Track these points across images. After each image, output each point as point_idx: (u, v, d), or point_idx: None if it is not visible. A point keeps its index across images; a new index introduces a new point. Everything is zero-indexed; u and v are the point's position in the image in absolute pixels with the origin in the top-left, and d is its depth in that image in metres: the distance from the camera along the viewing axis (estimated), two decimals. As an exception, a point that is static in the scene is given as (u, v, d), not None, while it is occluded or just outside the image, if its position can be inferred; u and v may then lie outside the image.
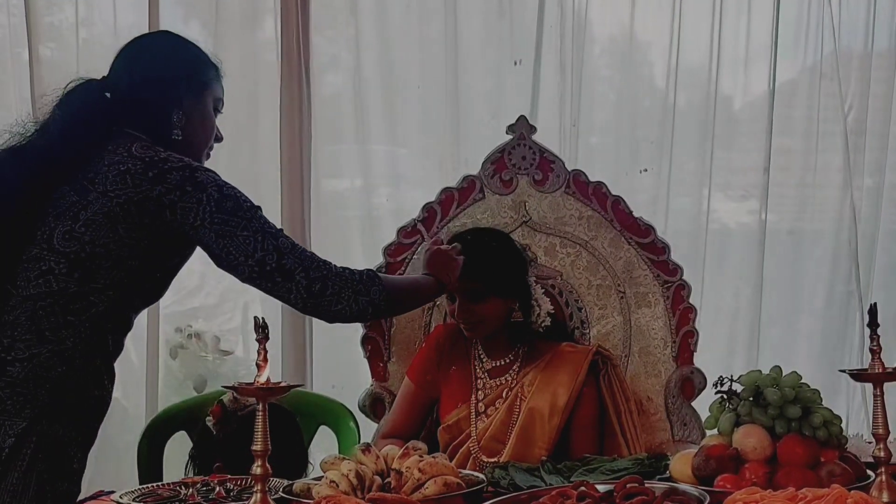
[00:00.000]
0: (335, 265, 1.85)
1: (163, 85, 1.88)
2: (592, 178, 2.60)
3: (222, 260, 1.80)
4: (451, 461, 2.28)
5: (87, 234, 1.73)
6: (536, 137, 2.65)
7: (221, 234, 1.76)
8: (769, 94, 3.54)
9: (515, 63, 3.48)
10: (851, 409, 3.49)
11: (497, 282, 2.32)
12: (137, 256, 1.77)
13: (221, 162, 3.40)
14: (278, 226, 1.85)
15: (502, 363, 2.41)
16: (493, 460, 2.29)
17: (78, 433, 1.75)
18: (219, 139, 2.00)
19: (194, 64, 1.94)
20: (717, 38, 3.52)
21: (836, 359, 3.51)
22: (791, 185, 3.64)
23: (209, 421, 2.30)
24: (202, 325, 3.42)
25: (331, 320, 1.88)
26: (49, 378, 1.70)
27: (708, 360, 3.29)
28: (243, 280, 1.83)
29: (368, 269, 1.93)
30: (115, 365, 1.84)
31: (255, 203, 1.83)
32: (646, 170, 3.51)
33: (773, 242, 3.57)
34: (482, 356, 2.43)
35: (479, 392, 2.40)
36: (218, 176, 1.81)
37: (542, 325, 2.41)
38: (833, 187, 3.60)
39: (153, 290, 1.89)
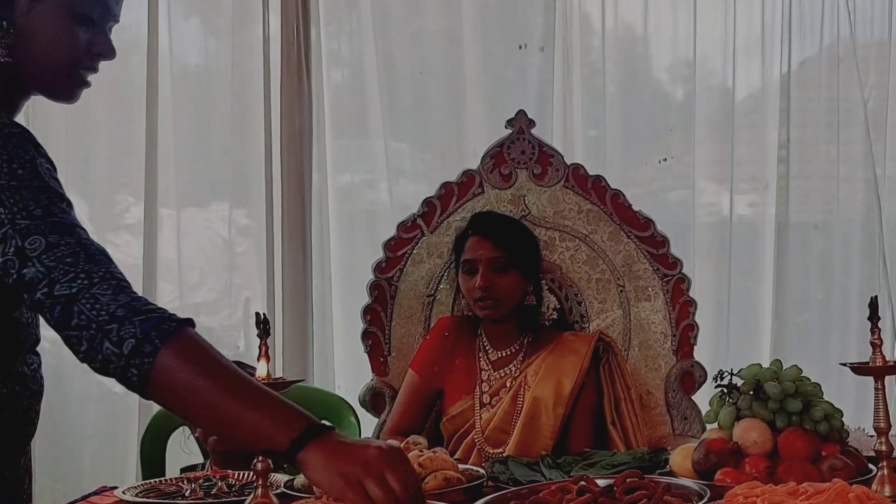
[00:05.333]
0: (121, 289, 1.27)
1: None
2: (605, 170, 2.60)
3: None
4: (455, 452, 2.30)
5: None
6: (540, 129, 2.64)
7: None
8: (784, 84, 3.47)
9: (520, 47, 3.45)
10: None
11: (519, 254, 2.38)
12: None
13: (219, 156, 3.42)
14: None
15: (506, 353, 2.42)
16: (498, 451, 2.30)
17: None
18: (103, 56, 1.50)
19: None
20: (733, 27, 3.46)
21: (863, 355, 3.42)
22: (809, 176, 3.57)
23: None
24: (204, 321, 3.41)
25: (96, 370, 1.27)
26: None
27: (726, 354, 3.29)
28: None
29: (185, 319, 1.33)
30: None
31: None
32: (665, 159, 3.50)
33: (794, 235, 3.51)
34: (487, 347, 2.44)
35: (484, 384, 2.41)
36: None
37: (549, 318, 2.46)
38: (854, 179, 3.53)
39: None
